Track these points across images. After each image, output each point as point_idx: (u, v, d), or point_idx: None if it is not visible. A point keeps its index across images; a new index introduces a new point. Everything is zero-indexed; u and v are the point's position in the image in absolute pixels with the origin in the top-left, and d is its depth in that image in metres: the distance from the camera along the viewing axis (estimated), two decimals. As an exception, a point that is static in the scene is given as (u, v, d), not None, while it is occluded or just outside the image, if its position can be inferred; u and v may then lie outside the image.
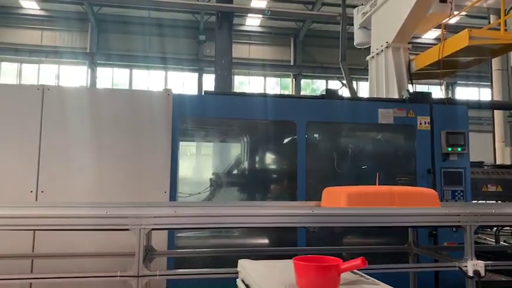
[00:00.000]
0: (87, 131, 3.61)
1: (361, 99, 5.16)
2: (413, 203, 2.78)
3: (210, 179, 4.71)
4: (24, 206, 2.77)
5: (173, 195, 3.69)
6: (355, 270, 1.84)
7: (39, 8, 18.98)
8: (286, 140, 4.48)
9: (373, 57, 5.62)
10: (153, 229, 2.37)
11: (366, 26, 6.09)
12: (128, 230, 2.25)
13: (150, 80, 19.66)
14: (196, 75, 19.63)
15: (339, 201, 2.78)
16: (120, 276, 2.23)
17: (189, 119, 4.04)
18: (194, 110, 3.96)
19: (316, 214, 2.46)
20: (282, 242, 3.93)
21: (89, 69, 19.86)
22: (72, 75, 19.69)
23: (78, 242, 3.12)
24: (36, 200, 3.43)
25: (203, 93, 4.45)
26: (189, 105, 3.91)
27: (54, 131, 3.54)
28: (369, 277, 1.85)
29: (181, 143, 3.95)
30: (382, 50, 5.32)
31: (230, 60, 7.95)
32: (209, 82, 19.47)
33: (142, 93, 3.94)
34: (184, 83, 19.25)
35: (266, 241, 4.18)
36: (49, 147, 3.52)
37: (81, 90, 3.99)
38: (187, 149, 4.93)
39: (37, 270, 3.31)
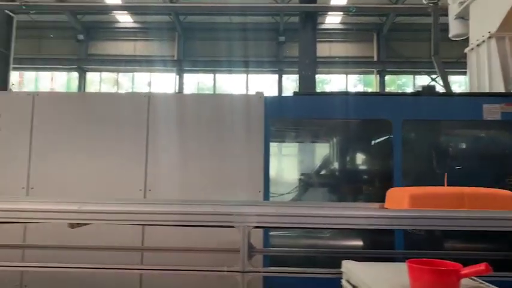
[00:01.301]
0: (187, 133, 3.86)
1: (462, 94, 4.82)
2: (486, 206, 2.54)
3: (299, 179, 4.75)
4: (136, 202, 3.04)
5: (266, 194, 3.79)
6: (473, 277, 1.74)
7: (132, 20, 20.62)
8: (379, 140, 4.36)
9: (472, 49, 5.21)
10: (256, 227, 2.46)
11: (463, 16, 5.67)
12: (232, 227, 2.37)
13: (232, 83, 20.37)
14: (275, 76, 19.93)
15: (401, 203, 2.67)
16: (227, 271, 2.35)
17: (279, 120, 4.12)
18: (284, 111, 4.03)
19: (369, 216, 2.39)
20: (378, 244, 3.82)
21: (177, 76, 21.15)
22: (162, 82, 21.10)
23: (172, 238, 3.33)
24: (145, 197, 3.75)
25: (292, 94, 4.49)
26: (279, 106, 3.99)
27: (158, 134, 3.84)
28: (489, 285, 1.73)
29: (271, 144, 4.03)
30: (483, 41, 4.91)
31: (314, 59, 7.93)
32: (287, 83, 19.64)
33: (237, 97, 4.11)
34: (264, 84, 19.59)
35: (358, 243, 4.11)
36: (154, 150, 3.83)
37: (179, 96, 4.27)
38: (276, 150, 5.01)
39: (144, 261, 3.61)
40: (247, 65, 19.15)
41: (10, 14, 8.05)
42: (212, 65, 20.52)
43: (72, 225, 2.46)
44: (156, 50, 21.41)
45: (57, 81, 21.66)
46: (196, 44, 20.67)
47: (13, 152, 3.84)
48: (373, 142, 4.55)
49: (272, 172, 4.05)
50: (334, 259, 3.35)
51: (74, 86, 21.43)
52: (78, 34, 21.13)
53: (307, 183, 4.64)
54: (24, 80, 21.40)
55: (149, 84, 21.47)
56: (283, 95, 15.50)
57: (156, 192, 3.77)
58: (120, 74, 21.97)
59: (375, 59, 19.47)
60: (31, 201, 2.65)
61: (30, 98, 3.90)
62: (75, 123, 3.86)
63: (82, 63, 21.45)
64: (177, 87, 20.65)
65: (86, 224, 2.57)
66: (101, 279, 3.58)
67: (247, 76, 20.36)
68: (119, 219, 2.41)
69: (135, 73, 21.65)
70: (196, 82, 21.54)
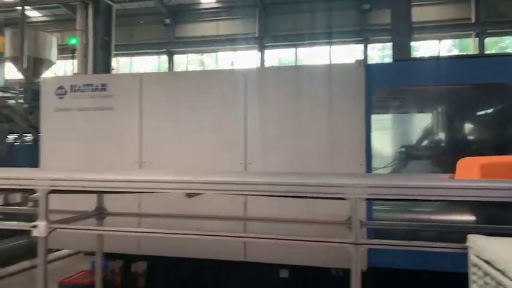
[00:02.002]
0: (285, 107, 3.85)
1: None
2: None
3: (401, 151, 4.52)
4: (246, 173, 3.13)
5: (368, 167, 3.66)
6: None
7: (215, 1, 21.01)
8: (494, 107, 3.95)
9: None
10: (367, 199, 2.38)
11: None
12: (343, 199, 2.32)
13: (314, 56, 19.94)
14: (359, 46, 19.09)
15: (471, 173, 2.51)
16: (339, 242, 2.32)
17: (381, 89, 3.92)
18: (387, 80, 3.82)
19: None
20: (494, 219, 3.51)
21: (259, 53, 21.27)
22: (244, 60, 21.36)
23: (268, 209, 3.37)
24: (245, 169, 3.85)
25: (391, 61, 4.23)
26: (382, 75, 3.78)
27: (257, 109, 3.88)
28: None
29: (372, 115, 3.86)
30: None
31: (409, 25, 7.39)
32: (373, 53, 18.64)
33: (335, 67, 3.97)
34: (348, 56, 18.86)
35: (465, 217, 3.82)
36: (253, 125, 3.89)
37: (274, 70, 4.26)
38: (378, 121, 4.80)
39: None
40: (330, 36, 18.57)
41: (109, 3, 8.68)
42: (293, 39, 20.26)
43: (189, 195, 2.61)
44: (238, 28, 21.69)
45: (148, 65, 23.01)
46: (277, 19, 20.50)
47: (126, 130, 4.16)
48: (483, 109, 4.14)
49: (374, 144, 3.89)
50: (442, 234, 3.18)
51: (164, 69, 22.63)
52: (165, 18, 22.14)
53: (409, 155, 4.40)
54: (120, 66, 23.06)
55: (232, 64, 21.88)
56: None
57: (256, 165, 3.85)
58: (205, 55, 22.69)
59: (473, 20, 17.62)
60: (152, 173, 2.86)
61: (138, 79, 4.17)
62: (179, 100, 4.05)
63: (170, 46, 22.50)
64: (258, 65, 20.81)
65: (200, 194, 2.70)
66: (206, 247, 3.80)
67: (329, 48, 19.76)
68: (232, 189, 2.49)
69: (218, 53, 22.20)
70: (278, 58, 21.46)
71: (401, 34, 6.95)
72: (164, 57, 22.78)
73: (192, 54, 22.80)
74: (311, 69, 4.04)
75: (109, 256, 4.38)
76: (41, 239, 2.77)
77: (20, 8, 10.07)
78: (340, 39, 19.00)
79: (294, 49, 20.98)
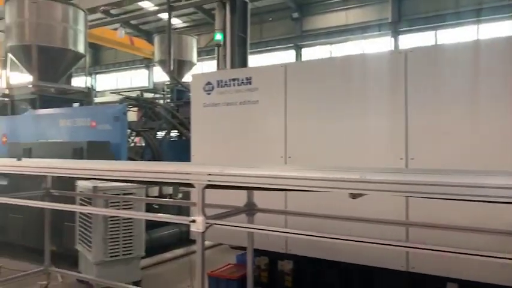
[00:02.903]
0: (463, 93, 3.22)
1: None
2: None
3: None
4: (417, 172, 2.66)
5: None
6: None
7: (342, -11, 20.26)
8: None
9: None
10: None
11: None
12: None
13: (458, 38, 17.71)
14: (514, 23, 16.31)
15: None
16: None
17: None
18: None
19: None
20: None
21: (392, 39, 19.84)
22: (376, 48, 20.13)
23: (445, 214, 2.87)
24: (406, 167, 3.34)
25: None
26: None
27: (421, 96, 3.34)
28: None
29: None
30: None
31: None
32: None
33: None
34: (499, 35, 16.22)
35: None
36: (415, 114, 3.35)
37: (449, 47, 3.61)
38: None
39: (412, 238, 3.24)
40: (478, 14, 16.27)
41: (245, 0, 8.86)
42: (433, 20, 18.35)
43: (353, 196, 2.27)
44: (369, 16, 20.58)
45: (275, 61, 23.33)
46: (413, 1, 18.83)
47: (270, 123, 4.01)
48: None
49: None
50: None
51: (292, 63, 22.60)
52: (292, 13, 22.18)
53: None
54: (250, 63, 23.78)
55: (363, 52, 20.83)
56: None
57: (419, 161, 3.31)
58: (333, 46, 22.09)
59: None
60: (310, 170, 2.59)
61: (282, 69, 3.97)
62: (327, 89, 3.73)
63: (297, 40, 22.50)
64: (392, 52, 19.34)
65: (365, 194, 2.33)
66: (359, 252, 3.43)
67: (477, 27, 17.33)
68: (410, 191, 2.06)
69: (347, 43, 21.37)
70: (414, 43, 19.68)
71: None
72: (291, 53, 22.88)
73: (320, 48, 22.41)
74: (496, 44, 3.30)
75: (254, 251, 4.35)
76: (199, 234, 2.73)
77: (164, 15, 10.94)
78: (492, 16, 16.48)
79: (433, 32, 19.02)
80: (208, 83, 4.40)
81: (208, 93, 4.40)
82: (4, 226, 5.78)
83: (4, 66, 8.54)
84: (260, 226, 2.70)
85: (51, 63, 7.59)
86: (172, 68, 10.61)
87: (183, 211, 6.37)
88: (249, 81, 4.14)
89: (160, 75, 23.66)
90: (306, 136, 3.82)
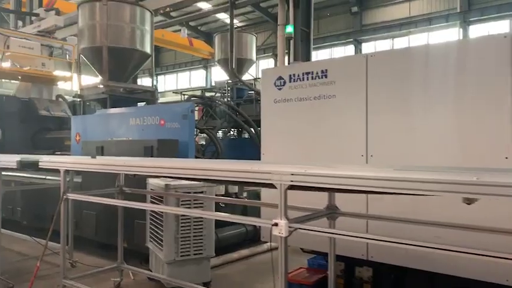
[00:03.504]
0: None
1: None
2: None
3: None
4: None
5: None
6: None
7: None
8: None
9: None
10: None
11: None
12: None
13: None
14: None
15: None
16: None
17: None
18: None
19: None
20: None
21: (461, 29, 18.57)
22: (441, 40, 18.90)
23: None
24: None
25: None
26: None
27: None
28: None
29: None
30: None
31: None
32: None
33: None
34: None
35: None
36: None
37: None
38: None
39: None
40: None
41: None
42: (508, 8, 16.92)
43: (469, 200, 1.95)
44: (434, 6, 19.43)
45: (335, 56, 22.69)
46: (487, -13, 17.51)
47: (349, 119, 3.73)
48: None
49: None
50: None
51: (352, 59, 21.92)
52: (352, 7, 21.48)
53: None
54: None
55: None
56: None
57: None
58: (395, 40, 21.11)
59: None
60: (413, 171, 2.30)
61: (362, 60, 3.67)
62: (416, 83, 3.38)
63: (357, 35, 21.76)
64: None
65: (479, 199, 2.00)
66: (449, 261, 3.06)
67: None
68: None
69: (410, 36, 20.31)
70: (484, 33, 18.25)
71: None
72: (350, 48, 22.17)
73: (380, 42, 21.49)
74: None
75: (324, 254, 4.10)
76: (282, 239, 2.53)
77: (222, 15, 10.87)
78: None
79: (506, 21, 17.56)
80: (280, 78, 4.20)
81: (280, 89, 4.20)
82: (78, 222, 5.99)
83: (77, 69, 8.94)
84: (350, 233, 2.45)
85: (120, 63, 7.80)
86: (234, 66, 10.58)
87: (250, 211, 6.26)
88: (324, 74, 3.88)
89: (217, 75, 24.01)
90: (391, 133, 3.48)
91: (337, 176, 2.31)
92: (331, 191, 2.85)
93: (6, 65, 9.70)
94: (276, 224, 2.54)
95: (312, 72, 3.96)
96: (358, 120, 3.66)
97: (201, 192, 4.48)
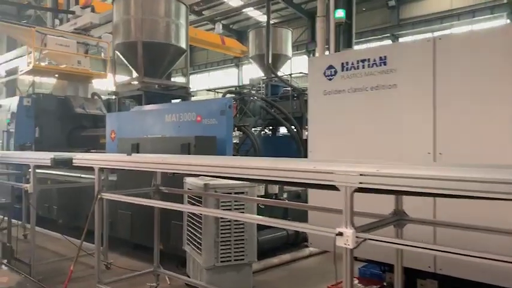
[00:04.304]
0: None
1: None
2: None
3: None
4: None
5: None
6: None
7: (449, -30, 18.33)
8: None
9: None
10: None
11: None
12: None
13: None
14: None
15: None
16: None
17: None
18: None
19: None
20: None
21: (507, 20, 17.46)
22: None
23: None
24: None
25: None
26: None
27: None
28: None
29: None
30: None
31: None
32: None
33: None
34: None
35: None
36: None
37: None
38: None
39: None
40: None
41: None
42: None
43: None
44: (479, -3, 18.36)
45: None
46: (537, -25, 16.33)
47: (414, 112, 3.27)
48: None
49: None
50: None
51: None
52: (389, 1, 20.65)
53: None
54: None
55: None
56: None
57: None
58: (435, 34, 20.10)
59: None
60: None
61: (430, 44, 3.21)
62: (498, 71, 2.88)
63: (394, 29, 20.92)
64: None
65: None
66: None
67: None
68: None
69: (452, 29, 19.30)
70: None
71: None
72: (387, 43, 21.32)
73: (419, 37, 20.54)
74: None
75: (380, 264, 3.68)
76: (348, 251, 2.13)
77: (254, 13, 10.54)
78: None
79: (560, 11, 16.31)
80: (330, 67, 3.79)
81: (330, 79, 3.79)
82: (113, 222, 5.79)
83: (112, 66, 8.83)
84: (429, 245, 2.03)
85: (155, 59, 7.59)
86: (270, 61, 10.20)
87: (290, 212, 5.87)
88: (383, 61, 3.44)
89: (249, 74, 23.73)
90: (465, 129, 3.01)
91: (421, 177, 1.90)
92: (405, 194, 2.42)
93: (44, 63, 9.74)
94: (340, 234, 2.15)
95: (369, 59, 3.53)
96: (424, 113, 3.19)
97: (242, 192, 4.14)
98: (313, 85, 3.97)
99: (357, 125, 3.62)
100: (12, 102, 8.78)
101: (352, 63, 3.64)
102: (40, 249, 5.87)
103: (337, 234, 2.14)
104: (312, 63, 4.03)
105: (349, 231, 2.13)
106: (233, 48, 21.70)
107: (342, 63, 3.71)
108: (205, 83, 30.06)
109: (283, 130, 11.61)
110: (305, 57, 22.78)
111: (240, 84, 25.33)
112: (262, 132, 11.67)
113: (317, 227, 2.32)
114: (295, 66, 16.09)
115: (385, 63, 3.44)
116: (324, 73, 3.83)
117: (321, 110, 3.88)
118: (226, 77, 29.22)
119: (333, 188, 2.21)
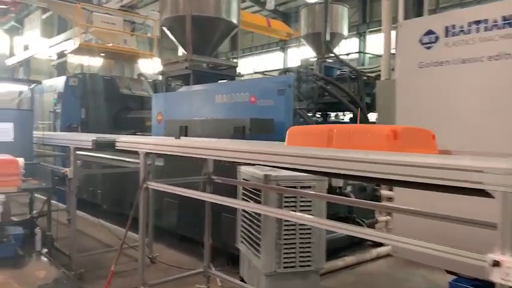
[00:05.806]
0: None
1: None
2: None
3: None
4: None
5: None
6: None
7: None
8: None
9: None
10: None
11: None
12: None
13: None
14: None
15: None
16: None
17: None
18: None
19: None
20: None
21: None
22: None
23: None
24: None
25: None
26: None
27: None
28: None
29: None
30: None
31: None
32: None
33: None
34: None
35: None
36: None
37: None
38: None
39: None
40: None
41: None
42: None
43: None
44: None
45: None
46: None
47: None
48: None
49: None
50: None
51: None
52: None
53: None
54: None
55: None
56: None
57: None
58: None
59: None
60: None
61: None
62: None
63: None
64: None
65: None
66: None
67: None
68: None
69: None
70: None
71: None
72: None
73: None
74: None
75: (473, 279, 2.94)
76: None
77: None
78: None
79: None
80: (429, 32, 2.98)
81: (429, 47, 2.99)
82: (159, 210, 5.30)
83: (159, 45, 8.36)
84: None
85: (204, 34, 7.00)
86: (327, 38, 9.33)
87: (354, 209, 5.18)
88: (507, 22, 2.60)
89: (294, 57, 22.79)
90: None
91: None
92: None
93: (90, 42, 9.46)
94: (497, 263, 1.42)
95: (486, 20, 2.70)
96: None
97: (309, 187, 3.46)
98: (404, 56, 3.18)
99: (468, 106, 2.81)
100: (59, 83, 8.56)
101: (461, 27, 2.82)
102: (82, 236, 5.55)
103: (493, 265, 1.42)
104: (403, 29, 3.23)
105: (508, 261, 1.40)
106: (279, 31, 20.81)
107: (446, 27, 2.89)
108: (251, 67, 29.42)
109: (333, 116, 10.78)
110: (356, 39, 21.49)
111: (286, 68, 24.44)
112: (313, 118, 10.88)
113: (461, 251, 1.57)
114: (346, 49, 15.04)
115: (510, 25, 2.60)
116: (420, 40, 3.03)
117: (416, 87, 3.09)
118: (271, 61, 28.44)
119: (481, 193, 1.48)
